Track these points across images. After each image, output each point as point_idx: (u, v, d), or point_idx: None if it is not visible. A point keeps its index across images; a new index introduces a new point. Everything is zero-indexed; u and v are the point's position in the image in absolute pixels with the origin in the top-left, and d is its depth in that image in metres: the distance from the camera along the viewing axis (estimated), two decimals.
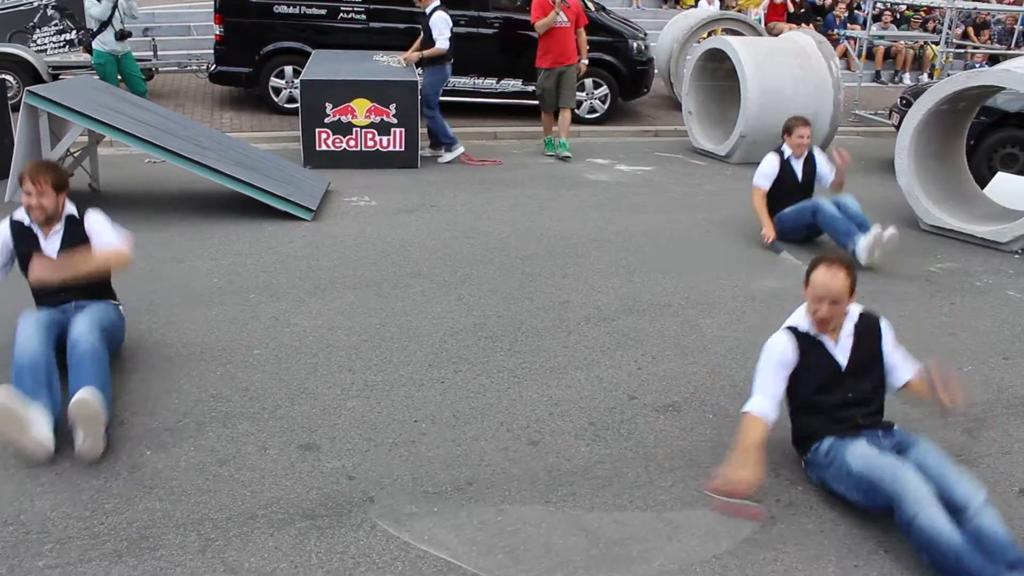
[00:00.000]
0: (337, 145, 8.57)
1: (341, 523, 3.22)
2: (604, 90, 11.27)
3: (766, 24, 15.27)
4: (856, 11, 17.29)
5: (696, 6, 15.70)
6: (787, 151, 6.74)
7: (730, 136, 9.54)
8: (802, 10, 16.47)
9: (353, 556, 3.06)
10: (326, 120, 8.50)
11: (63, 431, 3.58)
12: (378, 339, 4.79)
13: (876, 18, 15.71)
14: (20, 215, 4.27)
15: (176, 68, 12.11)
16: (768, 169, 6.76)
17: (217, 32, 10.80)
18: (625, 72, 11.29)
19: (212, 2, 11.04)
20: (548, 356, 4.67)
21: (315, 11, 10.69)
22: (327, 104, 8.47)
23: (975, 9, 16.09)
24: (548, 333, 4.96)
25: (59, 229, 4.25)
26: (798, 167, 6.77)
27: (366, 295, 5.42)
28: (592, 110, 11.29)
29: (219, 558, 3.02)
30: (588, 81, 11.08)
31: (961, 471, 3.27)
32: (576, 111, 11.06)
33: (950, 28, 13.44)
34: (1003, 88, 7.07)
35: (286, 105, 10.70)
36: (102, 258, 4.19)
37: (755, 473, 3.26)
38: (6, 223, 4.29)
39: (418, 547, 3.11)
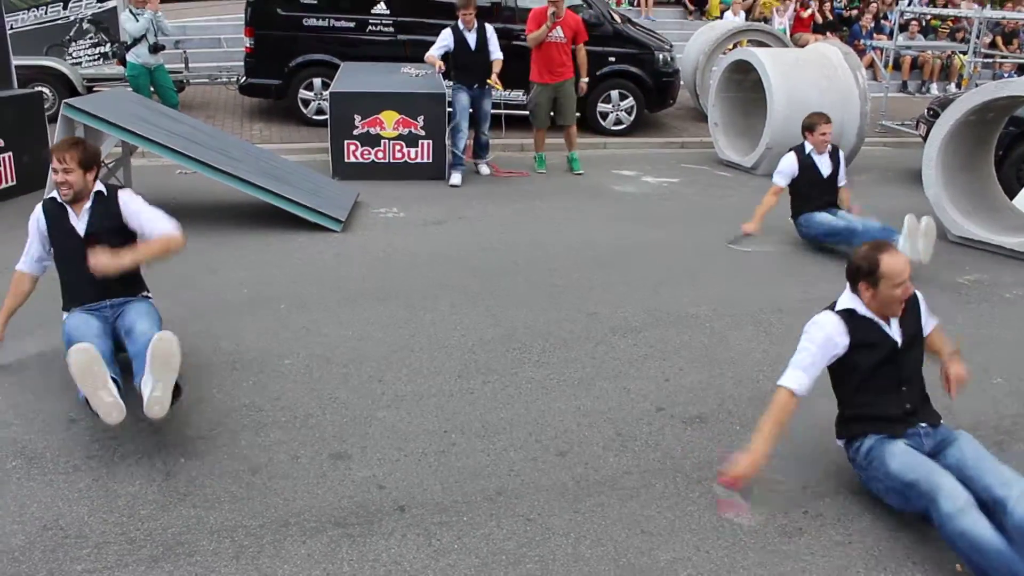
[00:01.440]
0: (366, 157, 8.66)
1: (372, 532, 3.27)
2: (630, 102, 11.30)
3: (792, 35, 15.26)
4: (883, 21, 17.22)
5: (722, 17, 15.70)
6: (807, 147, 6.75)
7: (756, 148, 9.54)
8: (828, 20, 16.45)
9: (384, 564, 3.10)
10: (355, 132, 8.60)
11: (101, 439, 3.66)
12: (407, 350, 4.85)
13: (903, 28, 15.63)
14: (53, 192, 4.32)
15: (207, 80, 12.29)
16: (786, 167, 6.79)
17: (247, 44, 10.95)
18: (651, 84, 11.32)
19: (243, 15, 11.20)
20: (576, 367, 4.71)
21: (344, 24, 10.83)
22: (356, 116, 8.57)
23: (1004, 18, 15.97)
24: (576, 344, 5.00)
25: (88, 207, 4.25)
26: (822, 163, 6.78)
27: (395, 306, 5.48)
28: (618, 122, 11.32)
29: (253, 565, 3.08)
30: (614, 93, 11.14)
31: (1000, 463, 3.28)
32: (602, 122, 11.14)
33: (978, 37, 13.36)
34: None
35: (315, 117, 10.82)
36: (158, 246, 4.19)
37: (756, 458, 3.28)
38: (39, 207, 4.35)
39: (448, 556, 3.15)
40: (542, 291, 5.82)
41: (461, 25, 8.75)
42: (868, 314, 3.54)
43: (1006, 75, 15.20)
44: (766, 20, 15.12)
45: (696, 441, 4.00)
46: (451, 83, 8.94)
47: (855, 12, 17.45)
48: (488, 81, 8.74)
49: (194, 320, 5.13)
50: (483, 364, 4.70)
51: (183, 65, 11.90)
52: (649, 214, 7.90)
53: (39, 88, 9.21)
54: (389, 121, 8.52)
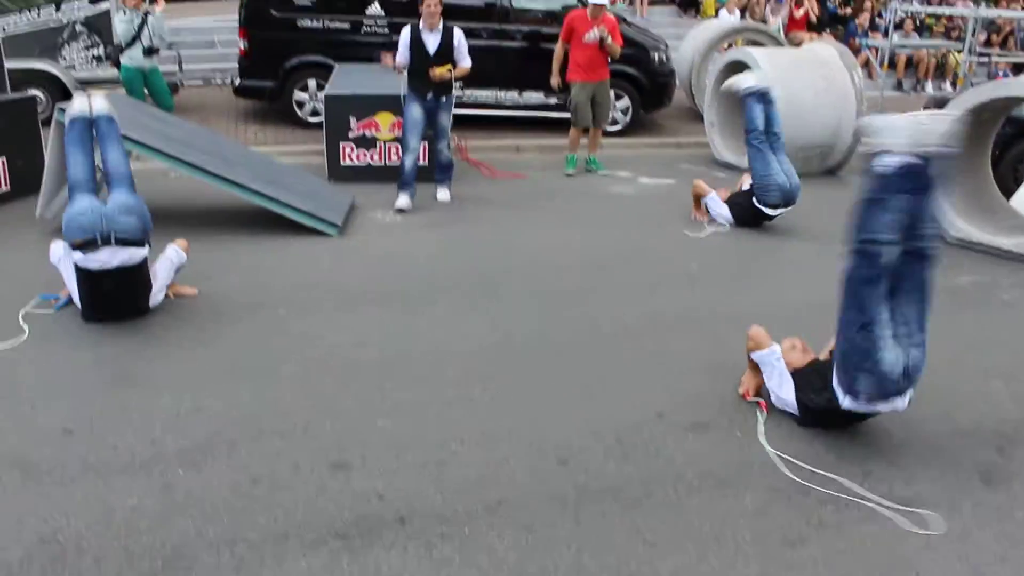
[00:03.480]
0: (361, 159, 8.64)
1: (373, 543, 3.25)
2: (626, 102, 11.29)
3: (787, 34, 15.25)
4: (877, 19, 17.22)
5: (717, 17, 15.69)
6: None
7: None
8: (823, 19, 16.46)
9: None
10: (350, 134, 8.58)
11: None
12: (406, 356, 4.82)
13: (898, 26, 15.65)
14: None
15: (201, 82, 12.24)
16: None
17: (241, 46, 10.92)
18: (647, 84, 11.32)
19: (237, 17, 11.16)
20: (576, 373, 4.69)
21: (338, 25, 10.80)
22: (351, 118, 8.55)
23: (999, 16, 16.00)
24: (576, 350, 4.98)
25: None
26: None
27: (393, 311, 5.46)
28: (614, 122, 11.30)
29: None
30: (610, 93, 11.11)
31: None
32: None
33: (973, 36, 13.38)
34: None
35: (310, 119, 10.80)
36: None
37: None
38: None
39: (449, 568, 3.13)
40: (541, 295, 5.80)
41: (421, 24, 7.60)
42: None
43: (1001, 74, 15.23)
44: (763, 20, 15.09)
45: (698, 448, 3.98)
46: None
47: (849, 10, 17.45)
48: (435, 71, 7.48)
49: (190, 327, 5.10)
50: (482, 371, 4.68)
51: (177, 67, 11.85)
52: (646, 216, 7.88)
53: (32, 92, 9.15)
54: (385, 123, 8.50)
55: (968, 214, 7.30)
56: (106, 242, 4.80)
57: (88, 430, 3.95)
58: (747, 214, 7.33)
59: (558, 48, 9.27)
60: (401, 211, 7.64)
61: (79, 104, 5.19)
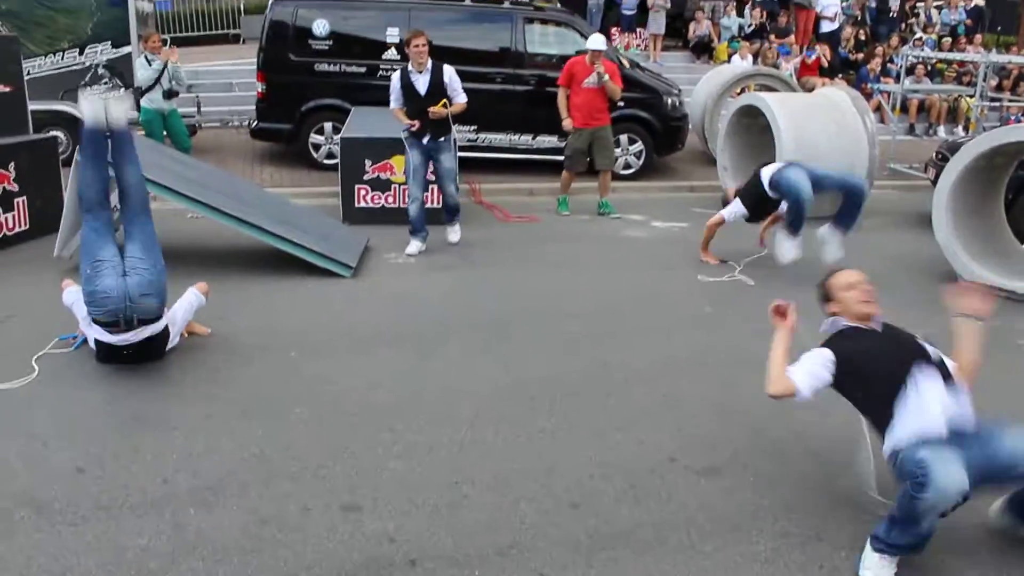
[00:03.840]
0: (376, 202, 8.72)
1: None
2: (639, 146, 11.36)
3: (799, 79, 15.35)
4: (889, 64, 17.34)
5: (729, 62, 15.83)
6: None
7: None
8: (834, 64, 16.56)
9: None
10: (365, 177, 8.66)
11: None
12: (418, 398, 4.82)
13: (909, 71, 15.74)
14: None
15: (219, 124, 12.41)
16: None
17: (259, 89, 11.07)
18: (660, 128, 11.39)
19: (255, 60, 11.34)
20: (588, 417, 4.67)
21: (355, 69, 10.93)
22: (366, 161, 8.64)
23: (1009, 62, 16.07)
24: (588, 394, 4.97)
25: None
26: None
27: (405, 353, 5.46)
28: (627, 166, 11.37)
29: None
30: (623, 137, 11.19)
31: None
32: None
33: (984, 81, 13.44)
34: None
35: (325, 161, 10.90)
36: None
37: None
38: None
39: None
40: (553, 338, 5.80)
41: (409, 67, 7.57)
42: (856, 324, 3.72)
43: (1013, 118, 15.26)
44: (775, 65, 15.21)
45: (710, 493, 3.95)
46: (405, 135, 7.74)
47: (861, 56, 17.58)
48: (432, 109, 7.44)
49: (203, 367, 5.12)
50: (495, 413, 4.67)
51: (196, 109, 12.02)
52: (659, 259, 7.89)
53: (54, 133, 9.30)
54: (399, 166, 8.56)
55: (982, 258, 7.28)
56: (129, 325, 4.82)
57: (100, 469, 3.96)
58: (754, 197, 7.48)
59: (560, 94, 9.34)
60: (411, 256, 7.66)
61: (94, 109, 4.94)
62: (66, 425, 4.37)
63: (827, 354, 3.61)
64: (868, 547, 3.38)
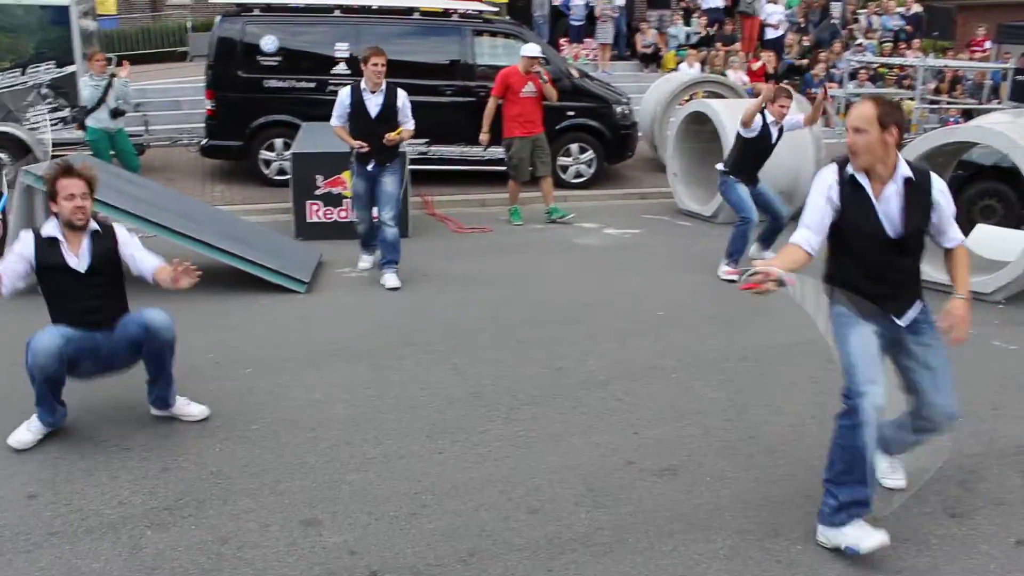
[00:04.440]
0: (328, 217, 8.69)
1: None
2: (590, 154, 11.45)
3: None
4: (833, 70, 17.68)
5: (677, 70, 16.02)
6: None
7: (715, 196, 9.68)
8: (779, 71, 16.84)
9: None
10: (317, 192, 8.63)
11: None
12: (375, 411, 4.83)
13: (852, 76, 16.09)
14: (47, 229, 4.35)
15: (167, 143, 12.28)
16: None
17: (208, 107, 10.98)
18: (610, 136, 11.49)
19: (202, 78, 11.25)
20: (545, 423, 4.71)
21: (304, 85, 10.89)
22: (317, 176, 8.61)
23: (945, 66, 16.52)
24: (544, 400, 5.00)
25: (87, 241, 4.36)
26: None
27: (361, 367, 5.46)
28: (578, 174, 11.45)
29: None
30: (574, 146, 11.29)
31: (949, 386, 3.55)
32: (563, 175, 11.25)
33: (924, 84, 13.80)
34: (978, 143, 7.25)
35: (276, 177, 10.83)
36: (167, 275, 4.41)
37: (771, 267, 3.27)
38: (30, 236, 4.38)
39: None
40: (508, 347, 5.84)
41: (364, 83, 7.11)
42: (860, 179, 3.46)
43: (952, 120, 15.64)
44: (722, 73, 15.42)
45: (667, 493, 4.01)
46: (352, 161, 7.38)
47: (806, 62, 17.90)
48: (388, 137, 7.01)
49: None
50: (451, 423, 4.69)
51: (144, 128, 11.88)
52: (612, 266, 7.97)
53: None
54: (351, 181, 8.54)
55: (927, 256, 7.44)
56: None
57: (53, 494, 3.91)
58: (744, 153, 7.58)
59: (491, 104, 9.36)
60: (367, 269, 7.57)
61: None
62: (17, 451, 4.29)
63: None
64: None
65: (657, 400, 5.01)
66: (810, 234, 3.52)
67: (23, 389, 4.39)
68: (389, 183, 7.18)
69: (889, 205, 3.49)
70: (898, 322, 3.59)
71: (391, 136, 7.02)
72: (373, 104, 7.09)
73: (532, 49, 9.32)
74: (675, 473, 4.19)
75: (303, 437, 4.49)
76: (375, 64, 6.96)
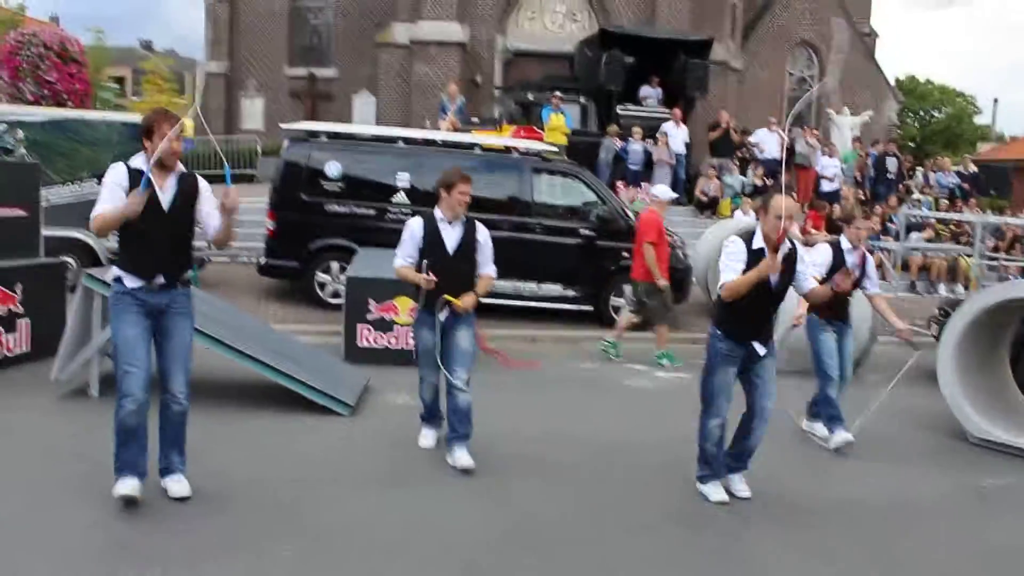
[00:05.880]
0: (378, 342, 8.70)
1: None
2: None
3: (804, 234, 15.60)
4: (889, 224, 17.68)
5: (732, 217, 16.15)
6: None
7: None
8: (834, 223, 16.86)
9: None
10: (368, 316, 8.68)
11: None
12: (408, 540, 4.66)
13: (908, 229, 16.05)
14: (136, 163, 4.66)
15: (227, 259, 12.56)
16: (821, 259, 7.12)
17: (269, 227, 11.27)
18: None
19: (265, 199, 11.60)
20: (582, 563, 4.52)
21: (364, 211, 11.15)
22: (370, 300, 8.68)
23: (1005, 223, 16.43)
24: (585, 543, 4.80)
25: (174, 182, 4.69)
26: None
27: (399, 495, 5.32)
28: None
29: None
30: (627, 288, 11.28)
31: None
32: (615, 315, 11.17)
33: (982, 241, 13.69)
34: None
35: (330, 300, 10.96)
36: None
37: None
38: (122, 166, 4.70)
39: None
40: (548, 484, 5.68)
41: (439, 214, 5.85)
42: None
43: (1011, 277, 15.44)
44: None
45: None
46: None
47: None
48: (456, 303, 5.72)
49: (192, 497, 4.94)
50: (489, 558, 4.52)
51: (205, 243, 12.15)
52: (662, 409, 7.81)
53: (64, 259, 9.40)
54: (403, 307, 8.58)
55: (989, 414, 7.20)
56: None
57: None
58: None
59: (651, 251, 9.46)
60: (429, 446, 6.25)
61: None
62: (43, 552, 4.21)
63: None
64: None
65: (703, 552, 4.77)
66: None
67: None
68: (464, 338, 5.85)
69: None
70: None
71: (458, 304, 5.74)
72: (451, 237, 5.81)
73: (667, 192, 9.93)
74: None
75: (332, 562, 4.34)
76: (462, 192, 5.75)
